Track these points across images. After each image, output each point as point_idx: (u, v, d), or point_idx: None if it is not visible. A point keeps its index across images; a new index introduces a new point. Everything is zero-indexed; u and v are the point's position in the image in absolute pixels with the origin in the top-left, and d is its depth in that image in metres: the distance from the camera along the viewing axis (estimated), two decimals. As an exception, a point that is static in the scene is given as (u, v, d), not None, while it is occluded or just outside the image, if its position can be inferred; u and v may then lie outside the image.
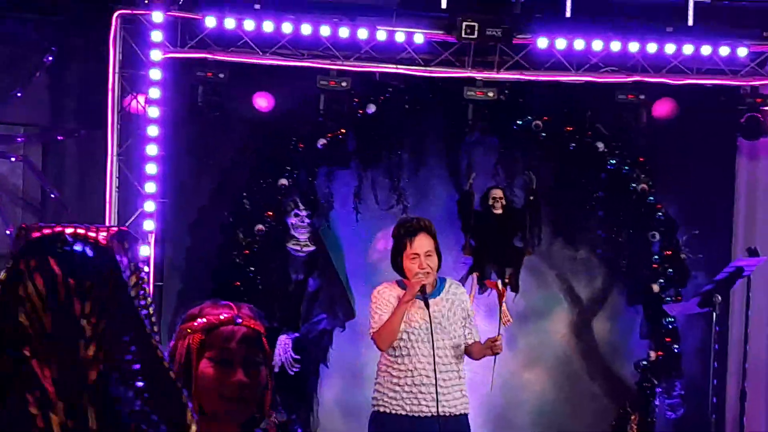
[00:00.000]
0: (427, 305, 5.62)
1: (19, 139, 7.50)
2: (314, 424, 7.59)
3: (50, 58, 7.39)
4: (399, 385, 5.81)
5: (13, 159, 7.44)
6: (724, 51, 7.55)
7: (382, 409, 5.87)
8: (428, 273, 5.65)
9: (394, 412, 5.85)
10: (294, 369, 7.39)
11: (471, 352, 5.96)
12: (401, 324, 5.69)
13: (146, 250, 7.20)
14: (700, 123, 8.04)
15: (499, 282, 5.82)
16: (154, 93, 7.21)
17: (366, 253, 8.04)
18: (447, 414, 5.83)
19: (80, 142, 7.60)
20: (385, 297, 5.79)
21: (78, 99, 7.64)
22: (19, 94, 7.29)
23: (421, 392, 5.80)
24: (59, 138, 7.60)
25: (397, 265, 5.77)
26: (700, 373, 7.72)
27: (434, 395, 5.78)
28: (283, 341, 7.64)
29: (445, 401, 5.82)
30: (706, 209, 8.18)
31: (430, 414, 5.79)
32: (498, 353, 5.90)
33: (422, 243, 5.68)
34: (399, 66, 7.51)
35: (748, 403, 7.38)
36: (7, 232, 7.16)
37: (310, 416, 7.60)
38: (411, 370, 5.80)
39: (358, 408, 6.85)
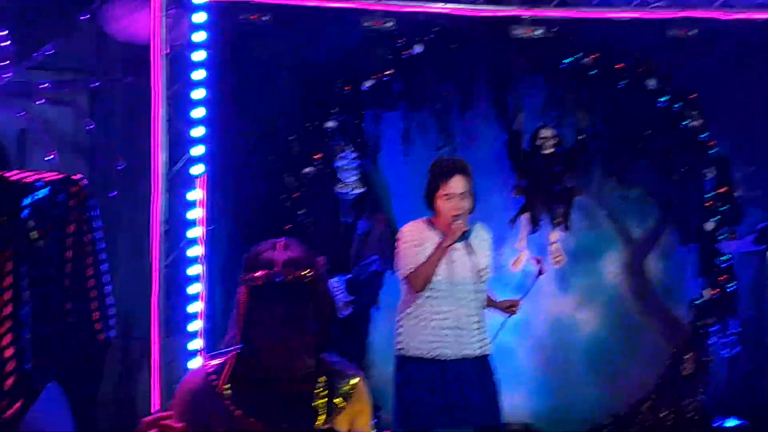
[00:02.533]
0: (467, 242, 5.69)
1: (66, 85, 7.49)
2: (366, 366, 7.43)
3: (96, 4, 7.33)
4: (425, 328, 5.82)
5: (62, 105, 7.48)
6: None
7: (407, 353, 5.87)
8: (460, 214, 5.67)
9: (419, 355, 5.85)
10: (345, 312, 7.31)
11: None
12: (434, 268, 5.72)
13: (196, 194, 7.21)
14: (754, 58, 7.90)
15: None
16: (199, 36, 7.14)
17: (414, 195, 7.88)
18: (469, 356, 5.82)
19: (127, 87, 7.58)
20: (416, 237, 5.79)
21: (123, 44, 7.52)
22: (66, 41, 7.23)
23: (446, 335, 5.81)
24: (107, 84, 7.57)
25: (428, 202, 5.79)
26: (756, 312, 7.75)
27: (457, 338, 5.81)
28: (334, 284, 7.54)
29: (468, 344, 5.81)
30: (762, 145, 8.01)
31: (453, 357, 5.80)
32: (512, 314, 6.00)
33: (458, 184, 5.65)
34: (445, 5, 7.47)
35: None
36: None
37: (363, 359, 7.51)
38: (437, 313, 5.79)
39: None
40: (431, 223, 5.77)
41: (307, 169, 7.59)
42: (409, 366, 5.81)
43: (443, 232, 5.72)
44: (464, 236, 5.71)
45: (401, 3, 7.44)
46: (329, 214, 7.77)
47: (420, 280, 5.68)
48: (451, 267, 5.72)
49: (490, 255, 5.99)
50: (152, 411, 5.94)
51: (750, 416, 7.68)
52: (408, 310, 5.85)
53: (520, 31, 7.48)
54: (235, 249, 7.81)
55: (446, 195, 5.62)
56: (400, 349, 5.84)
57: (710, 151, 7.87)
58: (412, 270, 5.72)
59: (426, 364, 5.79)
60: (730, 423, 7.79)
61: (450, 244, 5.64)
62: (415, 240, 5.75)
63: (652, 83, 7.80)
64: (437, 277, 5.73)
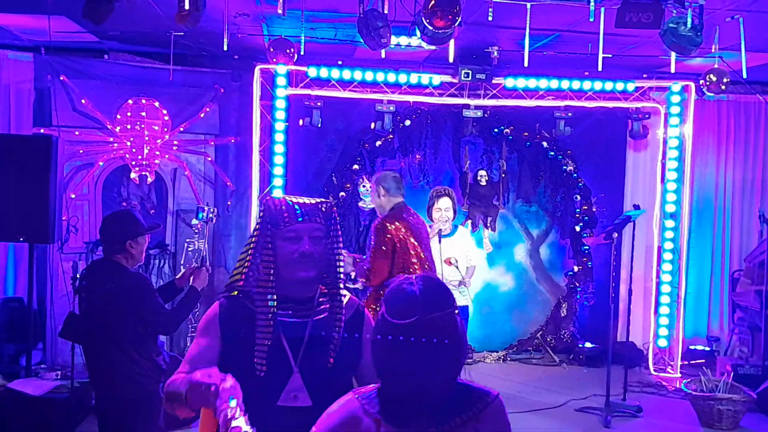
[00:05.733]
0: (440, 241, 5.81)
1: (201, 143, 7.44)
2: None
3: (221, 91, 7.43)
4: None
5: (199, 154, 7.46)
6: (619, 86, 7.63)
7: None
8: (446, 221, 5.90)
9: None
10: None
11: None
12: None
13: None
14: (605, 128, 8.17)
15: (452, 259, 5.82)
16: (280, 115, 7.33)
17: None
18: None
19: (237, 144, 7.59)
20: None
21: (236, 118, 7.62)
22: (201, 116, 7.32)
23: None
24: (225, 141, 7.55)
25: (428, 213, 6.01)
26: (605, 278, 7.88)
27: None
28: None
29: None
30: (608, 181, 8.24)
31: None
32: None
33: (444, 202, 5.94)
34: (424, 96, 7.56)
35: (632, 297, 7.63)
36: (198, 205, 6.78)
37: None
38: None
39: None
40: (429, 227, 5.87)
41: (342, 193, 7.77)
42: None
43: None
44: (450, 234, 5.93)
45: (399, 96, 7.46)
46: (354, 220, 7.89)
47: None
48: (440, 249, 5.79)
49: (464, 248, 6.07)
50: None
51: (599, 341, 7.74)
52: None
53: (468, 113, 7.61)
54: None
55: (437, 209, 5.92)
56: None
57: (578, 185, 8.14)
58: None
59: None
60: (588, 345, 8.00)
61: (431, 237, 5.69)
62: None
63: (545, 144, 8.07)
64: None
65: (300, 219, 2.30)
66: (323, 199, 2.43)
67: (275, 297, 2.29)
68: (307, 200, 2.37)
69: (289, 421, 2.02)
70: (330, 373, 2.28)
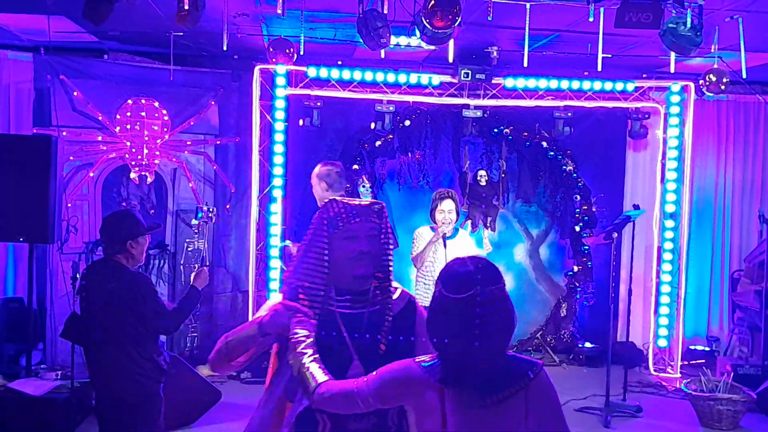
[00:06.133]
0: (445, 245, 5.73)
1: (201, 143, 7.47)
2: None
3: (221, 91, 7.50)
4: (428, 289, 5.76)
5: (198, 154, 7.49)
6: (619, 86, 7.66)
7: (419, 302, 6.00)
8: (449, 224, 5.77)
9: (422, 303, 5.99)
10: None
11: None
12: (429, 254, 5.80)
13: (276, 207, 7.32)
14: (605, 128, 8.21)
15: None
16: (279, 115, 7.35)
17: (404, 211, 7.98)
18: None
19: (237, 144, 7.64)
20: (421, 235, 5.94)
21: (235, 118, 7.66)
22: (201, 116, 7.36)
23: None
24: (225, 141, 7.60)
25: (431, 215, 5.91)
26: (604, 278, 7.86)
27: None
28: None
29: None
30: (608, 181, 8.28)
31: None
32: None
33: (447, 204, 5.82)
34: (424, 96, 7.58)
35: (632, 297, 7.50)
36: (198, 205, 6.71)
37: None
38: (432, 281, 5.63)
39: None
40: (432, 228, 5.90)
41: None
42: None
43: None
44: (452, 236, 5.79)
45: (399, 96, 7.48)
46: (354, 219, 8.02)
47: (418, 262, 5.91)
48: (445, 253, 5.75)
49: (467, 249, 5.91)
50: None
51: (599, 341, 7.75)
52: (419, 280, 5.95)
53: (468, 113, 7.61)
54: (298, 237, 7.99)
55: (440, 211, 5.80)
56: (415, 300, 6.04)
57: (578, 185, 8.15)
58: (414, 255, 5.93)
59: (425, 308, 6.05)
60: (587, 345, 8.02)
61: (435, 241, 5.74)
62: (421, 236, 5.93)
63: (545, 144, 8.08)
64: (430, 261, 5.82)
65: (357, 219, 2.48)
66: (374, 200, 2.62)
67: (323, 292, 2.48)
68: (360, 202, 2.58)
69: None
70: (384, 359, 2.39)
